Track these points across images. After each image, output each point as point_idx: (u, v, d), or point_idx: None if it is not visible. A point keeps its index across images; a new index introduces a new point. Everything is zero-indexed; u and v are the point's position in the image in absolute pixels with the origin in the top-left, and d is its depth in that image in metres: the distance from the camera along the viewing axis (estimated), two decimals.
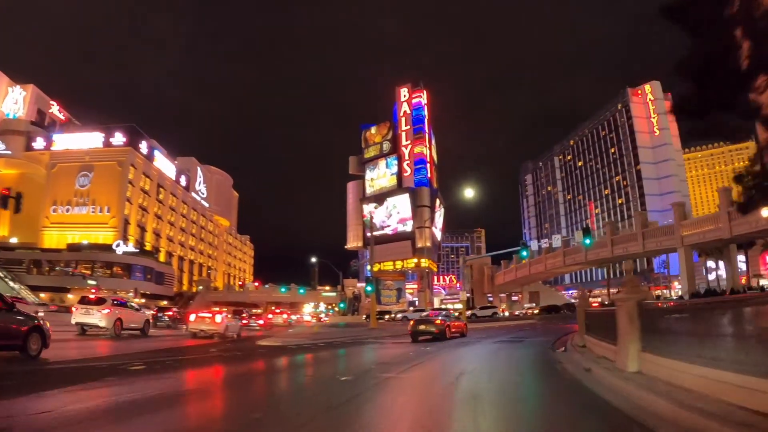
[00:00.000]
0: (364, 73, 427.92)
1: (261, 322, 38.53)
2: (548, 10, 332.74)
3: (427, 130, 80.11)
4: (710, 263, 72.74)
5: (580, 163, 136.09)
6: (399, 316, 60.73)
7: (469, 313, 59.42)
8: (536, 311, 60.98)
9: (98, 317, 18.91)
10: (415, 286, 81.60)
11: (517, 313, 64.26)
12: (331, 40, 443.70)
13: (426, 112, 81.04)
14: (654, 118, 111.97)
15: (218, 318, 22.37)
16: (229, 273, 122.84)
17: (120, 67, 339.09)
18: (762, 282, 67.38)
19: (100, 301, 19.83)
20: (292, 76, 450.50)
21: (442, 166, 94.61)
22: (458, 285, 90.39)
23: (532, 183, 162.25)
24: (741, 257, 69.95)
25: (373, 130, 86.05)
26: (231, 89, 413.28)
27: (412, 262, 76.34)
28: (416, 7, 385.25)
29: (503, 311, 66.52)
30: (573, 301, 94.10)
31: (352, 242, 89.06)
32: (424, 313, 37.41)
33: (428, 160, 78.70)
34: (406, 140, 79.94)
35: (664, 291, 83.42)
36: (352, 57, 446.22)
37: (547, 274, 74.41)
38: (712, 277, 73.46)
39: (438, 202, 78.85)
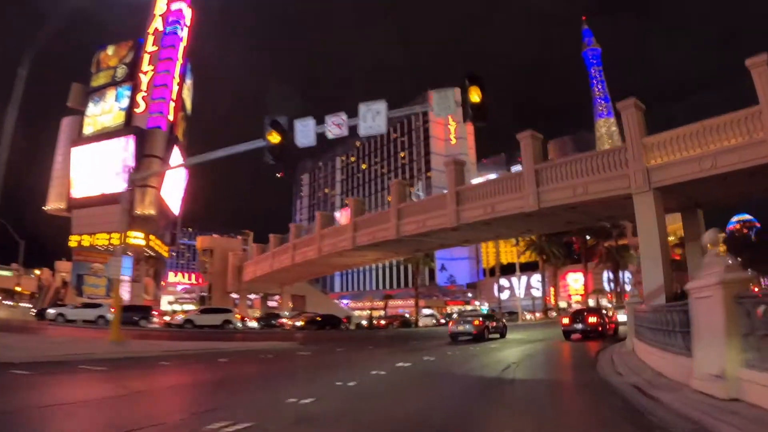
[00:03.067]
0: None
1: None
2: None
3: (181, 58, 57.65)
4: (503, 281, 67.55)
5: (364, 166, 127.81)
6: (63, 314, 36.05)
7: (180, 318, 38.17)
8: (300, 323, 41.59)
9: None
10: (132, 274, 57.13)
11: (274, 323, 44.73)
12: None
13: (186, 34, 58.71)
14: (452, 125, 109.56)
15: None
16: None
17: None
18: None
19: None
20: None
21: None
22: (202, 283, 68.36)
23: (309, 183, 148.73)
24: (537, 276, 64.86)
25: (109, 50, 59.22)
26: None
27: (122, 235, 52.48)
28: None
29: (243, 319, 44.96)
30: (365, 313, 65.59)
31: (54, 202, 59.01)
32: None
33: (172, 96, 56.11)
34: (149, 65, 56.16)
35: (466, 307, 75.05)
36: None
37: (323, 265, 49.20)
38: (505, 296, 67.76)
39: (179, 153, 56.20)
